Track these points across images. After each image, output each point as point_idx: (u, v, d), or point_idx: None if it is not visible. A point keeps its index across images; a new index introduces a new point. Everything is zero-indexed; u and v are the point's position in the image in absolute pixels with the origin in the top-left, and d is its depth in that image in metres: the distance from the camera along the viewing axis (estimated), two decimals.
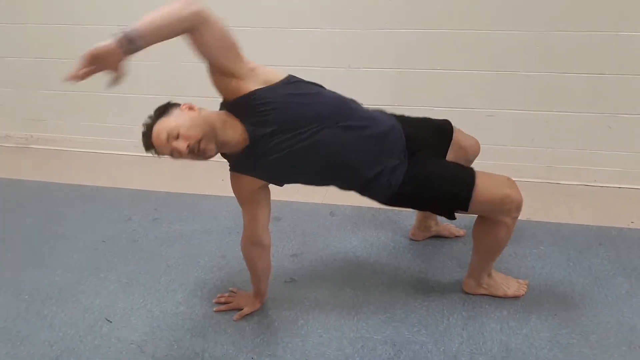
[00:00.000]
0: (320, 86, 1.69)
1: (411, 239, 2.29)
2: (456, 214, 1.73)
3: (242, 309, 1.88)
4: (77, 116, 3.31)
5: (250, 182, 1.68)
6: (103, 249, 2.31)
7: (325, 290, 1.99)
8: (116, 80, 1.37)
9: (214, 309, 1.90)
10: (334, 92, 1.70)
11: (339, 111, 1.64)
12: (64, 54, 3.09)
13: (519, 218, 2.37)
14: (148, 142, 1.55)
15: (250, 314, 1.87)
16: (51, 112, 3.34)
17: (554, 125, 2.66)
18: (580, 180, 2.74)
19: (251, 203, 1.73)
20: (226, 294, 1.96)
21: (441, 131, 1.91)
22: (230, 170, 1.70)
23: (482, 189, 1.64)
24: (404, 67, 2.71)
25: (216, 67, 1.51)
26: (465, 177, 1.67)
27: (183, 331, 1.81)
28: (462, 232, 2.29)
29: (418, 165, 1.70)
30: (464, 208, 1.67)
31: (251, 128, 1.56)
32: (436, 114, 2.72)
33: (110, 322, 1.86)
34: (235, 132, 1.57)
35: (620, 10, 2.39)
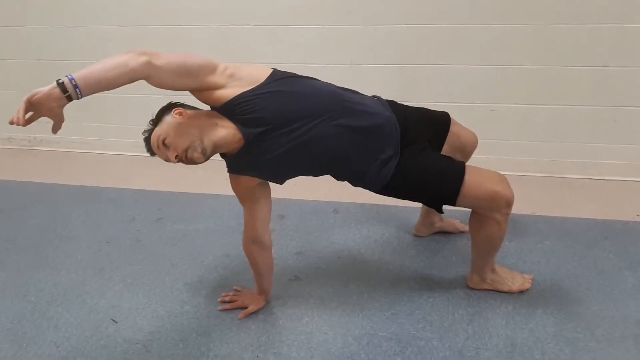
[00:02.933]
0: (312, 79, 1.68)
1: (415, 235, 2.28)
2: (451, 208, 1.75)
3: (247, 307, 1.88)
4: (79, 117, 3.30)
5: (248, 181, 1.70)
6: (107, 249, 2.31)
7: (329, 287, 1.99)
8: (55, 127, 1.40)
9: (219, 308, 1.90)
10: (328, 85, 1.69)
11: (333, 106, 1.61)
12: (65, 55, 3.09)
13: (524, 213, 2.40)
14: (149, 147, 1.61)
15: (255, 312, 1.87)
16: None
17: (558, 119, 2.65)
18: (585, 174, 2.73)
19: (250, 201, 1.74)
20: (231, 293, 1.96)
21: (438, 124, 1.91)
22: (228, 171, 1.72)
23: (471, 184, 1.64)
24: (407, 62, 2.70)
25: (191, 90, 1.54)
26: (455, 171, 1.67)
27: (188, 330, 1.81)
28: (466, 228, 2.27)
29: (410, 158, 1.70)
30: (452, 202, 1.68)
31: (244, 129, 1.56)
32: (439, 109, 2.72)
33: (116, 322, 1.87)
34: (227, 132, 1.57)
35: (624, 2, 2.37)
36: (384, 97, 2.77)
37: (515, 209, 2.40)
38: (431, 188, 1.70)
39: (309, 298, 1.94)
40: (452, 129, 1.92)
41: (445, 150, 1.90)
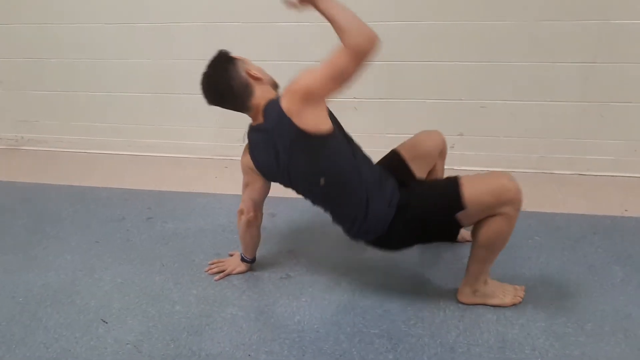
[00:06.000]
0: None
1: None
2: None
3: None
4: (67, 116, 3.29)
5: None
6: (97, 249, 2.30)
7: (321, 285, 1.99)
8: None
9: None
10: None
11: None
12: (53, 54, 3.06)
13: None
14: None
15: (246, 312, 1.86)
16: (41, 113, 3.31)
17: (546, 115, 2.66)
18: (574, 169, 2.75)
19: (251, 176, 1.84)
20: (215, 261, 2.10)
21: (393, 166, 1.92)
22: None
23: (470, 185, 1.61)
24: (395, 59, 2.70)
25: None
26: (448, 181, 1.68)
27: (179, 330, 1.80)
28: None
29: (405, 193, 1.73)
30: (460, 208, 1.60)
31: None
32: (428, 106, 2.75)
33: (106, 322, 1.85)
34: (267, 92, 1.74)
35: None
36: (373, 95, 2.79)
37: None
38: (435, 208, 1.67)
39: (301, 296, 1.94)
40: (406, 155, 1.93)
41: (419, 171, 1.94)
